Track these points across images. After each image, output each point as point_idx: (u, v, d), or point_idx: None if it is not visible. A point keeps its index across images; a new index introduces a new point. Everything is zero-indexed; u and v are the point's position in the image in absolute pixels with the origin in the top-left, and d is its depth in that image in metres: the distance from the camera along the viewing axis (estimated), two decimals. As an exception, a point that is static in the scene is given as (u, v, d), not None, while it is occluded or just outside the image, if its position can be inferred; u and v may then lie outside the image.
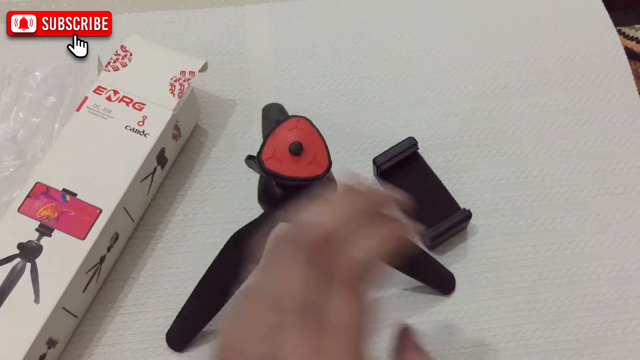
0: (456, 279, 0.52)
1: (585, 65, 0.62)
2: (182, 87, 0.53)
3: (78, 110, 0.51)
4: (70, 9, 0.64)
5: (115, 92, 0.52)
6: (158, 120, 0.51)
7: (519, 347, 0.50)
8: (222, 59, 0.62)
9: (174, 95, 0.52)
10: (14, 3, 0.64)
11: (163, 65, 0.54)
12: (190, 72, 0.53)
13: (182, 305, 0.49)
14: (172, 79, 0.53)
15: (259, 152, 0.38)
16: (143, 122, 0.51)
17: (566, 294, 0.51)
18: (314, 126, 0.39)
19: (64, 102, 0.57)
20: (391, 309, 0.51)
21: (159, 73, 0.53)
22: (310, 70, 0.61)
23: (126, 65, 0.54)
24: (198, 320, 0.49)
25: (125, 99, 0.52)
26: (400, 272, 0.49)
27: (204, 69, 0.54)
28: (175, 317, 0.49)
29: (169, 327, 0.50)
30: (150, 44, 0.56)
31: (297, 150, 0.37)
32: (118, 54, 0.54)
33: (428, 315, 0.51)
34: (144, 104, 0.52)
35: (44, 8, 0.64)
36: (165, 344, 0.49)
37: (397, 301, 0.51)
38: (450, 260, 0.53)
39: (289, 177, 0.37)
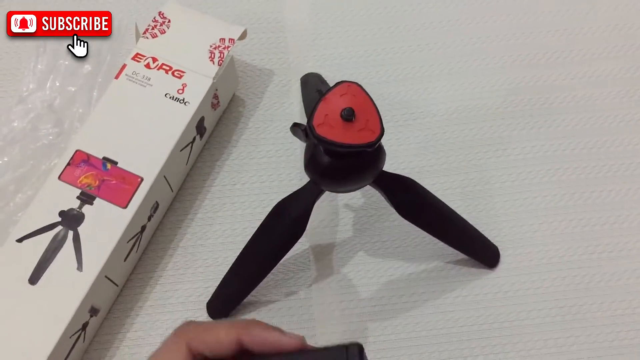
0: (500, 252, 0.51)
1: (635, 34, 0.60)
2: (222, 54, 0.51)
3: (117, 77, 0.51)
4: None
5: (154, 60, 0.51)
6: (198, 88, 0.50)
7: (565, 321, 0.49)
8: (258, 27, 0.61)
9: (213, 63, 0.51)
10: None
11: (202, 32, 0.53)
12: (229, 39, 0.52)
13: (222, 275, 0.49)
14: (211, 46, 0.52)
15: (309, 119, 0.37)
16: (183, 90, 0.50)
17: (614, 268, 0.50)
18: (365, 92, 0.38)
19: (101, 70, 0.56)
20: (432, 281, 0.50)
21: (198, 40, 0.52)
22: (350, 39, 0.60)
23: (164, 32, 0.53)
24: (239, 291, 0.48)
25: (164, 67, 0.51)
26: (442, 243, 0.49)
27: (243, 36, 0.53)
28: (215, 287, 0.49)
29: (209, 298, 0.49)
30: (188, 10, 0.54)
31: (349, 116, 0.36)
32: (156, 21, 0.53)
33: (471, 288, 0.50)
34: (183, 72, 0.51)
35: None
36: (206, 314, 0.49)
37: (440, 273, 0.50)
38: (495, 233, 0.51)
39: (341, 143, 0.36)
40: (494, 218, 0.52)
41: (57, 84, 0.56)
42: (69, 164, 0.48)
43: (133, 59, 0.51)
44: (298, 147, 0.55)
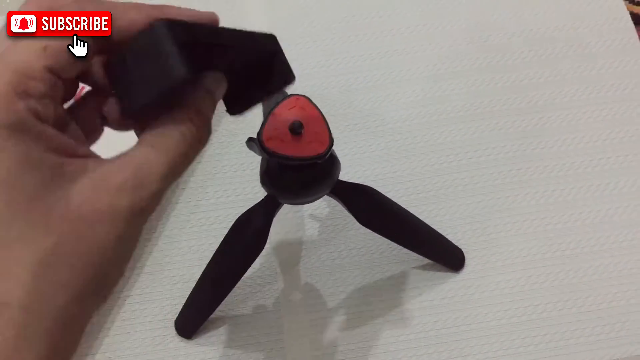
0: (465, 255, 0.51)
1: (590, 33, 0.60)
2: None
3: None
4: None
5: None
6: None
7: (531, 320, 0.49)
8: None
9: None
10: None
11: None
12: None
13: (189, 292, 0.49)
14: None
15: (259, 133, 0.37)
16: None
17: (577, 265, 0.51)
18: (313, 104, 0.38)
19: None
20: (401, 287, 0.50)
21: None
22: (314, 49, 0.60)
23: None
24: (206, 307, 0.48)
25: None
26: (407, 250, 0.49)
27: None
28: (182, 304, 0.49)
29: (177, 315, 0.49)
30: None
31: (297, 129, 0.36)
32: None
33: (438, 292, 0.50)
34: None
35: None
36: (174, 331, 0.49)
37: (406, 279, 0.51)
38: (459, 236, 0.52)
39: (290, 156, 0.36)
40: (458, 221, 0.53)
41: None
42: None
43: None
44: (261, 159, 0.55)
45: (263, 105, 0.55)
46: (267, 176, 0.40)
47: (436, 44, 0.60)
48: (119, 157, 0.25)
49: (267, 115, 0.37)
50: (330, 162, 0.40)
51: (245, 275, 0.46)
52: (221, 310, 0.49)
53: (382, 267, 0.51)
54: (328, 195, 0.43)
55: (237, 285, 0.47)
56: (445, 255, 0.51)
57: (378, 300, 0.50)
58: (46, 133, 0.24)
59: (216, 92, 0.28)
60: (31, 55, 0.24)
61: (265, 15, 0.62)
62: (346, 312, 0.50)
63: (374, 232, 0.46)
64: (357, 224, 0.45)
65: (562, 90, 0.58)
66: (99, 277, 0.24)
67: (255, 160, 0.56)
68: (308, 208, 0.54)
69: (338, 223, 0.53)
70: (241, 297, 0.50)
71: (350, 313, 0.50)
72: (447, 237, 0.50)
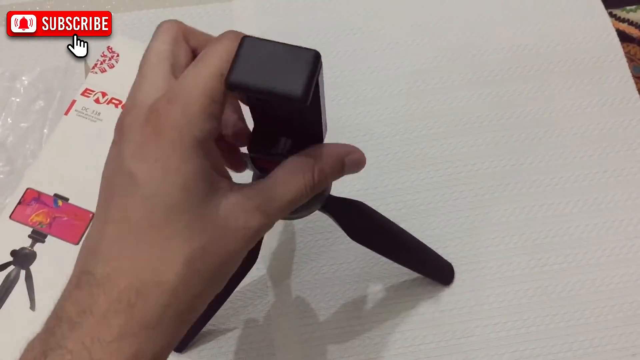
0: (455, 269, 0.51)
1: (577, 49, 0.61)
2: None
3: (66, 114, 0.51)
4: (51, 10, 0.63)
5: (104, 94, 0.52)
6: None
7: (519, 334, 0.49)
8: (211, 56, 0.61)
9: (163, 95, 0.52)
10: (15, 4, 0.63)
11: (151, 65, 0.53)
12: (178, 71, 0.53)
13: (179, 306, 0.49)
14: (160, 78, 0.52)
15: (248, 149, 0.37)
16: (133, 123, 0.51)
17: (565, 280, 0.51)
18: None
19: (52, 106, 0.56)
20: (389, 301, 0.51)
21: (147, 73, 0.53)
22: (301, 64, 0.61)
23: (113, 66, 0.53)
24: (197, 320, 0.48)
25: (114, 101, 0.51)
26: (397, 264, 0.49)
27: (192, 67, 0.54)
28: (173, 318, 0.49)
29: (167, 329, 0.49)
30: (137, 44, 0.55)
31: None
32: (105, 55, 0.53)
33: (428, 306, 0.51)
34: (133, 105, 0.51)
35: (27, 10, 0.63)
36: (164, 346, 0.49)
37: (396, 293, 0.51)
38: (449, 250, 0.52)
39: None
40: (447, 235, 0.53)
41: (9, 121, 0.56)
42: (20, 202, 0.48)
43: (82, 94, 0.52)
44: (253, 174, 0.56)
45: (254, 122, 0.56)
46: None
47: (424, 59, 0.61)
48: (256, 184, 0.31)
49: (254, 130, 0.38)
50: None
51: (236, 289, 0.46)
52: (212, 324, 0.49)
53: (372, 281, 0.51)
54: (319, 210, 0.43)
55: (228, 299, 0.47)
56: (435, 270, 0.51)
57: (368, 314, 0.50)
58: (215, 151, 0.30)
59: (346, 167, 0.34)
60: (215, 80, 0.28)
61: (257, 30, 0.63)
62: (337, 326, 0.50)
63: (362, 247, 0.46)
64: (348, 238, 0.45)
65: (550, 105, 0.59)
66: (221, 279, 0.30)
67: (246, 174, 0.56)
68: (299, 222, 0.54)
69: (328, 237, 0.53)
70: (232, 311, 0.50)
71: (340, 327, 0.50)
72: (436, 251, 0.51)
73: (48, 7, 0.63)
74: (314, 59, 0.29)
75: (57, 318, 0.28)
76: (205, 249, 0.28)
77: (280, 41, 0.29)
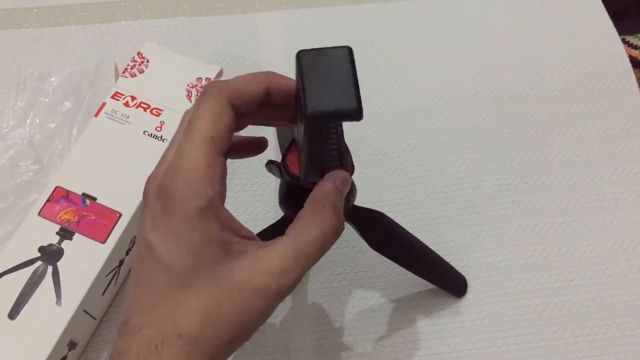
0: (468, 282, 0.53)
1: (590, 73, 0.63)
2: (199, 93, 0.53)
3: (96, 115, 0.52)
4: (81, 15, 0.65)
5: (133, 98, 0.53)
6: (175, 125, 0.51)
7: (529, 348, 0.51)
8: (234, 65, 0.63)
9: (190, 101, 0.53)
10: (28, 9, 0.65)
11: (179, 71, 0.55)
12: (206, 78, 0.54)
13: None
14: (188, 85, 0.54)
15: (283, 157, 0.39)
16: (161, 127, 0.52)
17: (575, 296, 0.53)
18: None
19: (81, 108, 0.58)
20: (403, 311, 0.52)
21: (176, 79, 0.54)
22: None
23: (143, 71, 0.54)
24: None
25: (142, 105, 0.53)
26: (412, 274, 0.51)
27: (219, 75, 0.55)
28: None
29: (186, 330, 0.50)
30: (166, 50, 0.57)
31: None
32: (135, 61, 0.55)
33: (440, 317, 0.52)
34: (161, 110, 0.53)
35: (57, 13, 0.65)
36: (182, 346, 0.50)
37: (409, 303, 0.52)
38: (462, 263, 0.54)
39: (313, 182, 0.38)
40: (461, 249, 0.54)
41: (37, 121, 0.57)
42: (48, 200, 0.49)
43: (112, 97, 0.53)
44: (273, 181, 0.57)
45: (277, 132, 0.57)
46: (287, 199, 0.42)
47: (442, 76, 0.63)
48: (271, 245, 0.32)
49: (290, 141, 0.39)
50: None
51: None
52: (229, 326, 0.50)
53: (386, 291, 0.53)
54: (342, 219, 0.45)
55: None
56: (449, 282, 0.52)
57: (382, 322, 0.51)
58: (223, 215, 0.32)
59: (343, 190, 0.35)
60: (207, 147, 0.30)
61: (279, 43, 0.64)
62: (351, 333, 0.51)
63: (380, 256, 0.48)
64: (364, 247, 0.46)
65: (563, 127, 0.60)
66: (244, 332, 0.32)
67: (266, 182, 0.57)
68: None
69: (345, 246, 0.55)
70: (249, 315, 0.52)
71: (355, 334, 0.51)
72: (451, 263, 0.52)
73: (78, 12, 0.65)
74: (350, 61, 0.31)
75: None
76: (219, 307, 0.31)
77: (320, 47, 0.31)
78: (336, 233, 0.34)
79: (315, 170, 0.36)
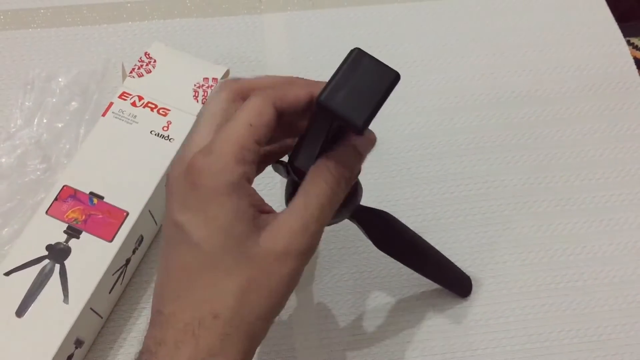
0: (473, 282, 0.53)
1: (595, 75, 0.63)
2: (206, 93, 0.54)
3: (104, 115, 0.53)
4: (88, 16, 0.65)
5: (140, 98, 0.53)
6: (182, 125, 0.52)
7: (535, 348, 0.51)
8: (240, 66, 0.63)
9: (197, 102, 0.53)
10: (36, 9, 0.65)
11: (186, 71, 0.55)
12: (213, 78, 0.55)
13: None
14: (195, 85, 0.54)
15: (291, 157, 0.39)
16: (168, 127, 0.52)
17: (580, 297, 0.53)
18: (343, 131, 0.40)
19: (88, 108, 0.58)
20: (409, 311, 0.52)
21: (183, 79, 0.54)
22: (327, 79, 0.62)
23: (150, 71, 0.55)
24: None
25: (150, 105, 0.53)
26: (417, 274, 0.51)
27: (225, 75, 0.56)
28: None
29: (192, 329, 0.51)
30: (173, 51, 0.57)
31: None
32: (142, 61, 0.55)
33: (445, 317, 0.52)
34: (168, 110, 0.53)
35: (64, 14, 0.65)
36: (188, 345, 0.50)
37: (415, 303, 0.52)
38: (468, 263, 0.54)
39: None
40: (466, 249, 0.55)
41: (45, 121, 0.58)
42: (56, 199, 0.49)
43: (120, 97, 0.53)
44: (279, 182, 0.57)
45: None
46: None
47: (448, 78, 0.63)
48: (286, 209, 0.33)
49: (298, 142, 0.39)
50: (354, 187, 0.42)
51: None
52: (235, 325, 0.51)
53: (392, 290, 0.53)
54: (348, 218, 0.45)
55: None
56: (455, 282, 0.52)
57: (388, 322, 0.52)
58: (250, 192, 0.32)
59: (364, 153, 0.36)
60: (245, 130, 0.31)
61: (285, 45, 0.65)
62: (357, 332, 0.51)
63: (384, 257, 0.48)
64: (369, 247, 0.46)
65: (568, 128, 0.60)
66: (276, 303, 0.32)
67: (271, 182, 0.58)
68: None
69: (350, 246, 0.55)
70: (255, 314, 0.52)
71: (360, 333, 0.51)
72: (456, 263, 0.52)
73: (84, 12, 0.66)
74: (390, 83, 0.32)
75: (140, 353, 0.32)
76: (253, 280, 0.31)
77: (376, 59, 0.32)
78: (339, 181, 0.34)
79: (306, 158, 0.36)
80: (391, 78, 0.32)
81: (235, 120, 0.32)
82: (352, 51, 0.32)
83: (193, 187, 0.31)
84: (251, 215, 0.32)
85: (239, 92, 0.34)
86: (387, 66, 0.32)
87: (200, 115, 0.35)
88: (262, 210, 0.33)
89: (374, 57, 0.32)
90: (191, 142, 0.33)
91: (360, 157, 0.35)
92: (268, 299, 0.32)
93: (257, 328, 0.32)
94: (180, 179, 0.32)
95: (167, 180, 0.33)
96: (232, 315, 0.31)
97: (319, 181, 0.33)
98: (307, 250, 0.33)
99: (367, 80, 0.32)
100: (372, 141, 0.36)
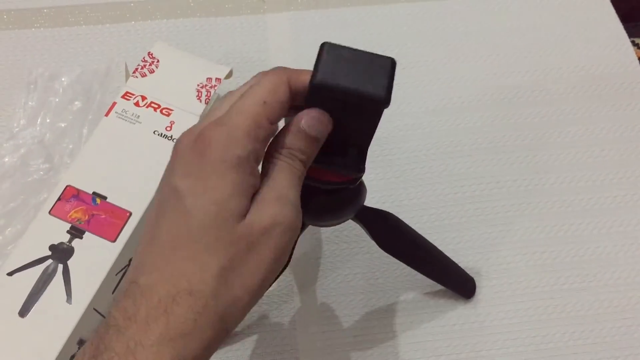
0: (476, 283, 0.53)
1: (599, 75, 0.63)
2: (209, 93, 0.54)
3: (107, 115, 0.52)
4: (91, 15, 0.65)
5: (143, 98, 0.53)
6: (185, 125, 0.51)
7: (537, 350, 0.51)
8: (244, 66, 0.63)
9: (200, 102, 0.53)
10: (39, 9, 0.65)
11: (189, 71, 0.55)
12: (216, 78, 0.54)
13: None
14: (198, 85, 0.54)
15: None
16: (171, 127, 0.52)
17: (583, 299, 0.52)
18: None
19: (91, 108, 0.58)
20: (411, 312, 0.52)
21: (186, 79, 0.54)
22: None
23: (153, 71, 0.55)
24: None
25: (153, 105, 0.53)
26: (420, 275, 0.51)
27: (229, 76, 0.55)
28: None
29: (195, 329, 0.51)
30: (176, 50, 0.57)
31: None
32: (145, 61, 0.55)
33: (449, 318, 0.52)
34: (171, 110, 0.53)
35: (67, 13, 0.65)
36: (191, 345, 0.50)
37: (418, 304, 0.52)
38: (471, 265, 0.54)
39: (324, 181, 0.38)
40: (469, 250, 0.54)
41: (48, 120, 0.58)
42: (59, 199, 0.49)
43: (123, 97, 0.53)
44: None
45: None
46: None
47: (451, 79, 0.63)
48: (268, 181, 0.32)
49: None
50: (358, 188, 0.42)
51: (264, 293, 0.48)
52: (238, 326, 0.51)
53: (395, 291, 0.53)
54: (352, 219, 0.45)
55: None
56: (458, 283, 0.52)
57: (391, 323, 0.52)
58: (255, 172, 0.31)
59: (306, 128, 0.33)
60: (259, 106, 0.31)
61: (289, 45, 0.65)
62: (359, 333, 0.51)
63: (387, 257, 0.48)
64: (373, 247, 0.46)
65: (572, 129, 0.60)
66: (258, 285, 0.31)
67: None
68: (325, 231, 0.55)
69: (354, 247, 0.55)
70: (258, 315, 0.52)
71: (363, 334, 0.51)
72: (459, 264, 0.52)
73: (88, 12, 0.65)
74: (392, 65, 0.31)
75: (106, 325, 0.29)
76: (236, 260, 0.30)
77: (358, 49, 0.31)
78: (305, 164, 0.33)
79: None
80: (387, 60, 0.31)
81: (249, 96, 0.31)
82: (322, 44, 0.31)
83: (200, 155, 0.30)
84: (249, 195, 0.31)
85: (288, 78, 0.33)
86: (365, 51, 0.31)
87: (226, 95, 0.34)
88: (257, 189, 0.32)
89: (348, 47, 0.31)
90: (209, 115, 0.32)
91: (305, 135, 0.33)
92: (250, 278, 0.30)
93: (233, 311, 0.30)
94: (189, 146, 0.31)
95: (175, 146, 0.32)
96: (208, 294, 0.29)
97: (280, 163, 0.33)
98: (293, 222, 0.32)
99: (358, 63, 0.31)
100: (315, 118, 0.33)
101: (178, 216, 0.30)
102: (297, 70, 0.33)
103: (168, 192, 0.31)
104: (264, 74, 0.33)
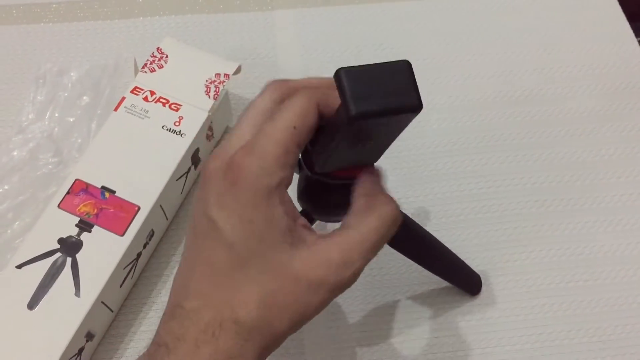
0: (483, 280, 0.53)
1: (606, 74, 0.63)
2: (217, 89, 0.54)
3: (116, 110, 0.53)
4: (100, 11, 0.66)
5: (152, 93, 0.53)
6: (194, 121, 0.53)
7: (543, 347, 0.51)
8: (251, 62, 0.63)
9: (209, 97, 0.54)
10: (48, 4, 0.66)
11: (198, 67, 0.55)
12: (225, 74, 0.55)
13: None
14: (207, 80, 0.54)
15: (304, 153, 0.39)
16: (179, 122, 0.52)
17: (589, 297, 0.53)
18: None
19: (100, 103, 0.58)
20: (418, 308, 0.52)
21: (195, 75, 0.55)
22: (338, 74, 0.63)
23: (162, 67, 0.55)
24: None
25: (162, 100, 0.53)
26: (427, 271, 0.51)
27: (237, 71, 0.56)
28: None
29: (202, 323, 0.51)
30: (185, 46, 0.57)
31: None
32: (154, 56, 0.55)
33: (455, 315, 0.52)
34: (180, 105, 0.53)
35: (76, 9, 0.65)
36: (198, 339, 0.50)
37: (424, 300, 0.52)
38: (477, 262, 0.54)
39: (334, 176, 0.38)
40: (476, 247, 0.55)
41: (56, 115, 0.58)
42: (68, 192, 0.49)
43: (132, 92, 0.53)
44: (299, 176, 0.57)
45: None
46: (307, 193, 0.42)
47: (459, 76, 0.63)
48: (330, 237, 0.32)
49: (315, 138, 0.39)
50: None
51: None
52: (245, 321, 0.51)
53: (402, 287, 0.53)
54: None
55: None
56: (464, 280, 0.52)
57: (397, 319, 0.52)
58: (286, 199, 0.32)
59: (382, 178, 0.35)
60: (288, 133, 0.31)
61: (296, 42, 0.65)
62: (365, 329, 0.51)
63: (394, 253, 0.48)
64: (381, 244, 0.46)
65: (579, 127, 0.60)
66: (296, 324, 0.31)
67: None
68: (332, 227, 0.55)
69: (360, 243, 0.55)
70: (264, 310, 0.52)
71: (369, 330, 0.51)
72: (466, 261, 0.52)
73: (97, 6, 0.66)
74: (408, 68, 0.31)
75: (156, 344, 0.31)
76: (275, 296, 0.31)
77: (369, 63, 0.31)
78: (395, 220, 0.34)
79: (336, 163, 0.36)
80: (402, 64, 0.31)
81: (279, 120, 0.31)
82: (337, 72, 0.30)
83: (232, 184, 0.30)
84: (285, 225, 0.31)
85: (287, 93, 0.33)
86: (384, 63, 0.31)
87: (244, 112, 0.34)
88: (296, 220, 0.33)
89: (360, 65, 0.31)
90: (232, 138, 0.33)
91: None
92: (289, 319, 0.31)
93: (272, 342, 0.31)
94: (220, 173, 0.31)
95: (204, 171, 0.33)
96: (251, 325, 0.30)
97: (373, 219, 0.33)
98: (344, 286, 0.32)
99: (378, 79, 0.31)
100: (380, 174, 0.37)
101: (218, 246, 0.31)
102: (324, 91, 0.32)
103: (205, 223, 0.31)
104: (293, 96, 0.32)
